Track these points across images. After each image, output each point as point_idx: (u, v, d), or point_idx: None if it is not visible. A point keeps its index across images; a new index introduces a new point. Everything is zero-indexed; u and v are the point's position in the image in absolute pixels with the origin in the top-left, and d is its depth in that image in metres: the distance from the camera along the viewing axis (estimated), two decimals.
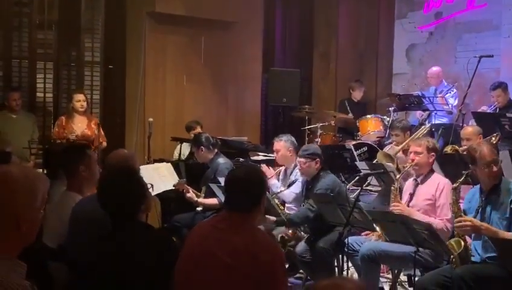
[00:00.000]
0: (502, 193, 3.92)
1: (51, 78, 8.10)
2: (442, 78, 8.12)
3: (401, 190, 4.85)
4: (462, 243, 3.92)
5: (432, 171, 4.70)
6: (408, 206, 4.61)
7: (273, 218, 5.08)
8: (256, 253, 2.77)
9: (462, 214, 4.02)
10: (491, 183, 3.98)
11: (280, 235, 5.22)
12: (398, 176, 4.82)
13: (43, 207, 2.06)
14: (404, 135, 6.20)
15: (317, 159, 5.19)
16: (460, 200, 4.21)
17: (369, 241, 4.62)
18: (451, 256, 3.92)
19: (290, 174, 5.69)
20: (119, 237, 2.83)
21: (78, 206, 3.44)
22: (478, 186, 4.09)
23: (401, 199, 4.75)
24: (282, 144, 5.66)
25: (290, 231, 5.25)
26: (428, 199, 4.55)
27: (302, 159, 5.20)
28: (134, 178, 2.96)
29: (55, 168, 4.05)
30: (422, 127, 7.31)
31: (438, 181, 4.59)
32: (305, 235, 5.23)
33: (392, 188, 4.70)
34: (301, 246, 5.09)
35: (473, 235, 4.04)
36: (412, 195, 4.69)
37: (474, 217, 3.97)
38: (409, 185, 4.81)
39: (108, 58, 8.39)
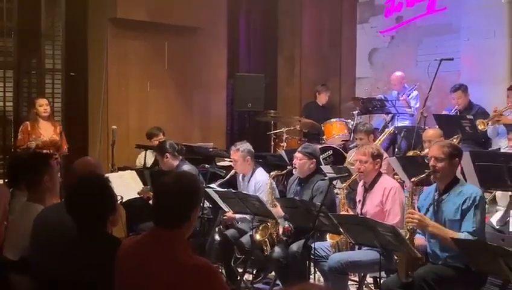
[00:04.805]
0: (454, 194, 3.97)
1: (11, 86, 7.96)
2: (405, 83, 8.23)
3: None
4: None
5: (379, 175, 4.75)
6: (361, 213, 4.66)
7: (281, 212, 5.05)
8: (180, 279, 2.43)
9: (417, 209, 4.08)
10: (444, 183, 4.04)
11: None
12: (343, 185, 4.85)
13: (5, 219, 1.99)
14: (368, 138, 6.26)
15: (314, 159, 5.25)
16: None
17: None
18: (395, 258, 3.96)
19: (248, 181, 5.70)
20: (84, 247, 2.79)
21: (40, 216, 3.37)
22: (434, 185, 4.15)
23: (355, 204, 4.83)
24: (239, 154, 5.66)
25: (287, 225, 5.18)
26: (377, 205, 4.61)
27: (300, 155, 5.25)
28: (106, 186, 2.93)
29: (17, 178, 3.96)
30: (386, 130, 7.40)
31: (385, 186, 4.64)
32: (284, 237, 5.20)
33: (340, 196, 4.73)
34: (278, 251, 5.08)
35: (427, 235, 4.09)
36: (361, 202, 4.75)
37: (425, 214, 4.03)
38: (359, 191, 4.88)
39: (69, 65, 8.28)
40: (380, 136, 7.00)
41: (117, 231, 3.09)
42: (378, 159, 4.71)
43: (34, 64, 8.20)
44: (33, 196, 3.61)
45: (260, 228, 5.20)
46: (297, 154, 5.28)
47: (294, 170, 5.34)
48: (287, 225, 5.18)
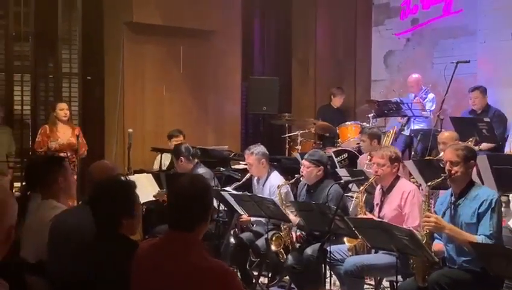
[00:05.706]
0: (470, 198, 3.94)
1: (29, 90, 8.04)
2: (422, 85, 8.19)
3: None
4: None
5: (397, 179, 4.69)
6: (379, 217, 4.61)
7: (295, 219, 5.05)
8: (196, 282, 2.43)
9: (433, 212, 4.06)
10: (460, 186, 4.01)
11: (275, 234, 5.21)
12: (361, 188, 4.79)
13: (12, 228, 1.97)
14: (371, 142, 6.20)
15: (321, 166, 5.19)
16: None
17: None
18: (411, 261, 3.94)
19: (263, 185, 5.70)
20: (101, 249, 2.80)
21: (58, 220, 3.39)
22: (450, 189, 4.12)
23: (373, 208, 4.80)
24: (254, 157, 5.66)
25: (299, 233, 5.20)
26: (395, 209, 4.57)
27: (306, 163, 5.20)
28: (120, 188, 2.91)
29: (33, 181, 3.99)
30: (387, 132, 7.38)
31: (403, 189, 4.59)
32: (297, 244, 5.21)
33: (357, 199, 4.71)
34: (291, 258, 5.06)
35: (444, 239, 4.06)
36: (379, 205, 4.71)
37: (442, 218, 3.99)
38: (376, 195, 4.83)
39: (86, 69, 8.36)
40: (384, 140, 6.97)
41: None
42: (396, 163, 4.67)
43: (51, 68, 8.28)
44: (47, 195, 3.65)
45: (274, 238, 5.19)
46: (304, 162, 5.23)
47: (301, 177, 5.32)
48: (298, 233, 5.19)
